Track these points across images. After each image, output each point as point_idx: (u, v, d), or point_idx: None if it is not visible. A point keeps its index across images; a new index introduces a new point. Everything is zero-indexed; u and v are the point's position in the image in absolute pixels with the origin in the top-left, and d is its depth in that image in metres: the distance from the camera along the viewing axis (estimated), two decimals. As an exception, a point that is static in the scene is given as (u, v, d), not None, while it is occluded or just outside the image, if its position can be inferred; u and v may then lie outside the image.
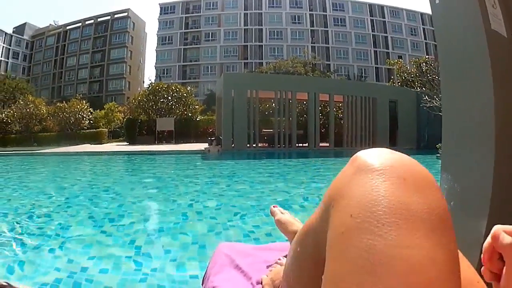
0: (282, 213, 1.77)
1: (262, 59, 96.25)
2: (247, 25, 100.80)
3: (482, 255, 0.86)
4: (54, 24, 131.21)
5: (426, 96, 26.90)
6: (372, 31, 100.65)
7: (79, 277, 5.02)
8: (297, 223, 1.66)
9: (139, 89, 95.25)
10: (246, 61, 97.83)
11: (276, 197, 10.32)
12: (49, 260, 5.67)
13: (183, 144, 38.39)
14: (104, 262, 5.55)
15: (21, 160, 31.53)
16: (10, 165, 26.67)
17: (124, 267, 5.36)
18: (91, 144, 47.80)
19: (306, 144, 30.89)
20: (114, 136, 57.30)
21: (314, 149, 29.60)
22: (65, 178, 17.22)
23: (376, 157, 0.80)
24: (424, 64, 39.72)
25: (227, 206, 9.13)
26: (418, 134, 32.94)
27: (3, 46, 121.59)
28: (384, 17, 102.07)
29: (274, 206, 1.83)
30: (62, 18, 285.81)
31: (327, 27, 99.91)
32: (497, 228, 0.84)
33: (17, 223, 7.80)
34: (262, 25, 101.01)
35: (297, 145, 30.45)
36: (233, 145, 29.25)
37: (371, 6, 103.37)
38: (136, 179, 15.95)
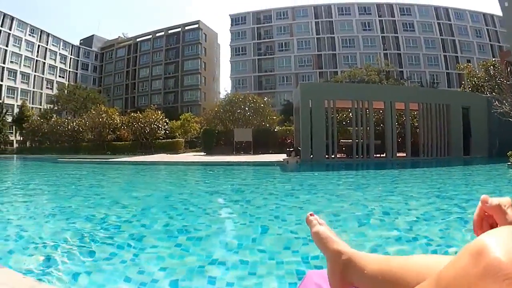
0: (320, 224, 1.66)
1: (336, 68, 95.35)
2: (319, 34, 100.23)
3: (473, 223, 0.97)
4: (123, 36, 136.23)
5: (497, 102, 26.59)
6: (440, 35, 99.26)
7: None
8: (338, 240, 1.54)
9: (215, 99, 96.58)
10: (320, 70, 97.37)
11: (355, 211, 10.23)
12: (120, 270, 6.02)
13: (261, 155, 38.32)
14: (175, 275, 5.76)
15: (94, 167, 33.41)
16: (83, 173, 28.32)
17: (196, 281, 5.53)
18: (167, 153, 48.54)
19: (384, 154, 30.33)
20: (190, 146, 59.16)
21: (391, 159, 29.18)
22: (140, 187, 18.18)
23: None
24: (491, 67, 39.24)
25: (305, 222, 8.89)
26: (489, 142, 32.01)
27: (71, 58, 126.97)
28: (450, 20, 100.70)
29: (311, 214, 1.71)
30: (130, 31, 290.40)
31: (397, 33, 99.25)
32: (484, 195, 0.94)
33: (88, 232, 8.24)
34: (334, 33, 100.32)
35: (374, 155, 29.98)
36: (311, 156, 29.09)
37: (436, 9, 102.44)
38: (213, 190, 16.18)
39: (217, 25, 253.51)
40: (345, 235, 7.28)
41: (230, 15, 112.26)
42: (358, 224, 8.56)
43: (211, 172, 25.93)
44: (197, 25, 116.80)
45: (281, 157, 32.00)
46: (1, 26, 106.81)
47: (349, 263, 1.25)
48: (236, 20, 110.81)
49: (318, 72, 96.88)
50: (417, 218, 8.84)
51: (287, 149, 34.23)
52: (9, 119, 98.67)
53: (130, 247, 6.93)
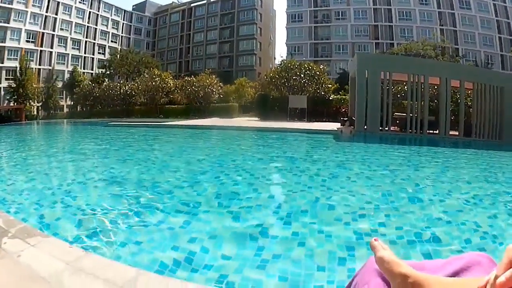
0: (383, 248, 1.53)
1: (392, 40, 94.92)
2: (376, 5, 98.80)
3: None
4: (177, 2, 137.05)
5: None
6: (495, 16, 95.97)
7: (198, 258, 5.50)
8: (403, 263, 1.41)
9: (270, 65, 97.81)
10: (377, 41, 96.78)
11: (407, 187, 10.13)
12: (168, 238, 6.24)
13: (316, 123, 38.20)
14: (225, 245, 6.00)
15: (146, 131, 33.99)
16: (134, 136, 29.19)
17: (245, 251, 5.72)
18: (221, 118, 48.97)
19: (437, 131, 29.93)
20: (244, 111, 58.46)
21: (444, 137, 28.58)
22: (192, 152, 18.54)
23: None
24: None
25: (358, 195, 9.08)
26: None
27: (123, 23, 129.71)
28: (505, 2, 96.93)
29: (375, 239, 1.59)
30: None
31: (453, 9, 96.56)
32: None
33: (138, 198, 8.55)
34: (390, 5, 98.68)
35: (427, 131, 29.54)
36: (365, 127, 28.97)
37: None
38: (266, 158, 16.43)
39: None
40: (393, 212, 7.66)
41: None
42: (407, 202, 8.54)
43: (264, 138, 26.14)
44: None
45: (335, 126, 32.37)
46: None
47: (416, 286, 1.24)
48: None
49: (374, 43, 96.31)
50: (467, 201, 8.64)
51: (341, 119, 34.99)
52: (60, 84, 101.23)
53: (180, 214, 7.33)
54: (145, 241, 6.05)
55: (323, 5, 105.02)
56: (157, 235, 6.29)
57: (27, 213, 7.57)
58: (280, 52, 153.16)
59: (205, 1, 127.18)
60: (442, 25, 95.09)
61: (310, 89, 49.74)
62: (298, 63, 51.85)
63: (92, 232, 6.29)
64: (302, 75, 49.96)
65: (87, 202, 8.33)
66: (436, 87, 32.90)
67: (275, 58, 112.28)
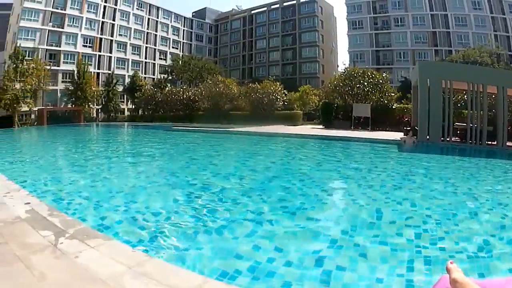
0: (457, 271, 1.85)
1: (450, 47, 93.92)
2: (433, 10, 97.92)
3: None
4: (237, 9, 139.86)
5: None
6: None
7: (262, 268, 5.76)
8: (476, 286, 1.71)
9: (333, 73, 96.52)
10: (436, 48, 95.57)
11: (470, 201, 10.35)
12: (232, 245, 6.60)
13: (379, 132, 38.85)
14: (290, 254, 6.19)
15: (210, 136, 35.46)
16: (198, 141, 30.74)
17: (307, 261, 5.95)
18: (285, 125, 50.11)
19: (494, 142, 28.64)
20: (308, 118, 61.07)
21: (502, 148, 27.42)
22: (257, 158, 19.05)
23: None
24: None
25: (422, 209, 9.22)
26: None
27: (184, 30, 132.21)
28: None
29: (450, 262, 1.92)
30: (243, 3, 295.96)
31: (504, 14, 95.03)
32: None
33: (202, 203, 9.11)
34: (446, 11, 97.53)
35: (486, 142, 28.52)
36: (427, 137, 28.98)
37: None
38: (332, 166, 16.88)
39: None
40: (452, 224, 8.03)
41: None
42: (471, 216, 8.76)
43: (329, 146, 26.68)
44: None
45: (398, 135, 32.54)
46: (105, 2, 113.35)
47: None
48: None
49: (433, 50, 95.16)
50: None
51: (404, 128, 34.84)
52: (120, 88, 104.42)
53: (245, 222, 7.69)
54: (209, 247, 6.52)
55: (382, 11, 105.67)
56: (220, 242, 6.82)
57: (87, 214, 8.41)
58: (343, 60, 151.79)
59: (265, 8, 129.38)
60: (496, 31, 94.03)
61: (374, 97, 49.53)
62: (361, 71, 51.61)
63: (155, 236, 6.91)
64: (365, 83, 49.83)
65: (150, 205, 9.18)
66: (494, 96, 31.48)
67: (338, 66, 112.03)
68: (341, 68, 76.35)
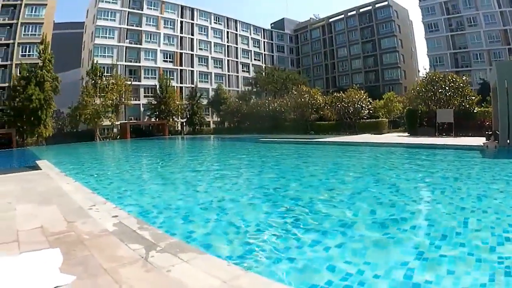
0: None
1: None
2: (501, 7, 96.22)
3: None
4: (314, 18, 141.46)
5: None
6: None
7: (353, 280, 5.98)
8: None
9: (415, 78, 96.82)
10: (509, 47, 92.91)
11: None
12: (324, 258, 6.70)
13: (462, 138, 38.04)
14: (379, 267, 6.37)
15: (298, 147, 35.54)
16: (287, 153, 30.83)
17: (396, 274, 6.10)
18: (371, 133, 50.59)
19: None
20: (394, 126, 61.24)
21: None
22: (346, 170, 19.00)
23: None
24: None
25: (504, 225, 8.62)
26: None
27: (264, 41, 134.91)
28: None
29: None
30: (319, 11, 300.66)
31: None
32: None
33: (293, 215, 9.17)
34: None
35: None
36: (508, 141, 28.01)
37: None
38: (417, 176, 16.60)
39: (405, 1, 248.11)
40: None
41: None
42: None
43: (415, 155, 26.20)
44: (386, 2, 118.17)
45: (481, 140, 31.33)
46: (182, 17, 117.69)
47: None
48: None
49: (507, 49, 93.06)
50: None
51: (486, 133, 33.68)
52: (205, 101, 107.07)
53: (335, 234, 7.71)
54: (301, 259, 6.65)
55: (455, 12, 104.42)
56: (312, 255, 6.88)
57: (177, 227, 8.81)
58: (423, 64, 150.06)
59: (342, 16, 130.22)
60: None
61: (455, 102, 48.63)
62: (442, 75, 50.75)
63: (248, 250, 7.05)
64: (446, 88, 48.90)
65: (242, 218, 9.41)
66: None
67: (418, 71, 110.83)
68: (422, 73, 75.88)
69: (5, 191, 13.97)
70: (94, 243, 6.68)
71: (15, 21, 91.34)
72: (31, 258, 5.93)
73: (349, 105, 59.30)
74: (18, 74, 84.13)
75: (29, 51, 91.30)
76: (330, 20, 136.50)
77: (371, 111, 61.11)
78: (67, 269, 5.41)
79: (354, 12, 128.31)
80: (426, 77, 53.57)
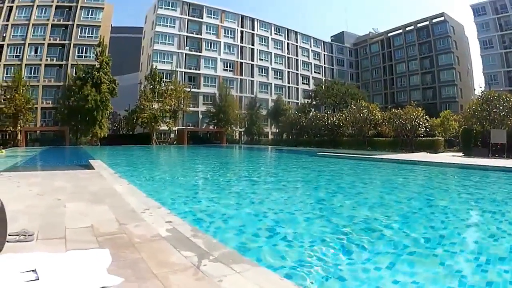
0: None
1: None
2: None
3: None
4: (374, 32, 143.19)
5: None
6: None
7: None
8: None
9: (471, 96, 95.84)
10: None
11: None
12: (375, 278, 6.64)
13: None
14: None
15: (355, 163, 34.89)
16: (344, 168, 30.32)
17: None
18: (427, 152, 49.61)
19: None
20: (449, 145, 60.20)
21: None
22: (402, 189, 18.41)
23: None
24: None
25: None
26: None
27: (324, 54, 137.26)
28: None
29: None
30: (378, 25, 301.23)
31: None
32: None
33: (346, 233, 8.93)
34: None
35: None
36: None
37: None
38: (468, 197, 16.03)
39: (460, 16, 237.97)
40: None
41: (470, 6, 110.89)
42: None
43: (469, 176, 24.99)
44: (442, 18, 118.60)
45: None
46: (242, 27, 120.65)
47: None
48: (477, 10, 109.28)
49: None
50: None
51: None
52: (264, 112, 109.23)
53: (387, 254, 7.52)
54: (352, 279, 6.50)
55: (508, 28, 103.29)
56: (364, 274, 6.71)
57: (231, 237, 8.65)
58: (479, 82, 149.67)
59: (401, 31, 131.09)
60: None
61: (509, 122, 47.62)
62: (496, 94, 50.12)
63: (302, 265, 6.84)
64: (501, 107, 47.89)
65: (297, 232, 9.11)
66: None
67: (474, 89, 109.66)
68: (477, 91, 74.60)
69: (56, 187, 14.21)
70: (146, 247, 6.63)
71: (70, 22, 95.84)
72: (78, 256, 5.91)
73: (406, 122, 58.74)
74: (74, 74, 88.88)
75: (85, 53, 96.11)
76: (389, 34, 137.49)
77: (427, 129, 60.09)
78: (115, 270, 5.44)
79: (412, 27, 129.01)
80: (481, 96, 52.99)
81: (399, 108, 65.29)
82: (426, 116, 60.28)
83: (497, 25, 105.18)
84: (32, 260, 5.50)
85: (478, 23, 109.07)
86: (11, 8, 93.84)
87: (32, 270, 5.18)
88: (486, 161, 34.17)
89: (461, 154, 46.17)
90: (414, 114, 58.74)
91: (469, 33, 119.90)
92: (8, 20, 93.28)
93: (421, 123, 58.31)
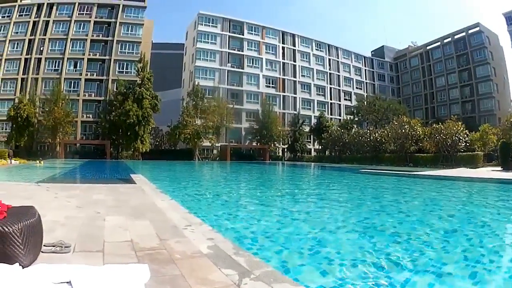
0: None
1: None
2: None
3: None
4: (413, 45, 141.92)
5: None
6: None
7: None
8: None
9: (509, 109, 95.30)
10: None
11: None
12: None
13: None
14: None
15: (396, 180, 34.26)
16: (385, 185, 29.84)
17: None
18: (467, 167, 49.57)
19: None
20: (488, 159, 60.16)
21: None
22: (442, 207, 17.69)
23: None
24: None
25: None
26: None
27: (365, 69, 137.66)
28: None
29: None
30: (416, 38, 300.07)
31: None
32: None
33: (388, 252, 8.66)
34: None
35: None
36: None
37: None
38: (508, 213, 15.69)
39: (494, 26, 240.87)
40: None
41: (503, 14, 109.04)
42: None
43: (506, 191, 24.57)
44: (477, 28, 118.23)
45: None
46: (283, 43, 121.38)
47: None
48: (510, 19, 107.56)
49: None
50: None
51: None
52: (307, 129, 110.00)
53: (427, 273, 7.31)
54: None
55: None
56: None
57: (272, 255, 8.37)
58: None
59: (439, 43, 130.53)
60: None
61: None
62: None
63: (342, 284, 6.63)
64: None
65: (339, 252, 8.83)
66: None
67: (511, 101, 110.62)
68: None
69: (96, 200, 14.23)
70: (186, 263, 6.42)
71: (110, 38, 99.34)
72: (115, 270, 5.73)
73: (447, 137, 58.93)
74: (115, 90, 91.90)
75: (126, 68, 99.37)
76: (428, 47, 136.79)
77: (467, 144, 60.24)
78: (154, 286, 5.34)
79: (449, 39, 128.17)
80: (517, 108, 51.69)
81: (440, 123, 65.97)
82: (466, 131, 60.24)
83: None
84: (67, 271, 5.37)
85: (511, 32, 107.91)
86: (47, 22, 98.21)
87: (67, 282, 5.12)
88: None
89: (499, 168, 45.58)
90: (454, 129, 58.84)
91: (503, 42, 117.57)
92: (45, 34, 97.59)
93: (461, 138, 58.49)
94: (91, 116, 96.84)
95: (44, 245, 6.53)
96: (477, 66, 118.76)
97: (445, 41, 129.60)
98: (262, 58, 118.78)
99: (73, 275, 5.23)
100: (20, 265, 5.47)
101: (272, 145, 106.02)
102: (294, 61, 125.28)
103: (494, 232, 11.92)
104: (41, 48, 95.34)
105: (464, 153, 59.16)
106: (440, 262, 7.96)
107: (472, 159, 56.77)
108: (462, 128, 59.20)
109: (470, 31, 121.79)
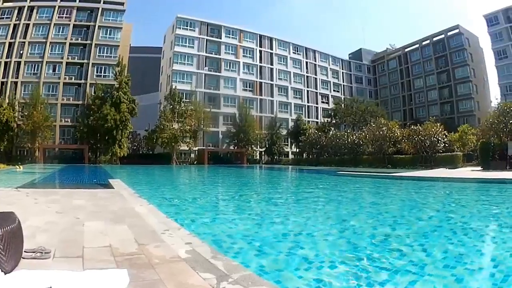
0: None
1: None
2: None
3: None
4: (391, 48, 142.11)
5: None
6: None
7: None
8: None
9: (488, 109, 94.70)
10: None
11: None
12: None
13: None
14: None
15: (374, 182, 34.55)
16: (364, 187, 29.92)
17: None
18: (446, 168, 49.48)
19: None
20: (468, 159, 59.22)
21: None
22: (421, 207, 17.83)
23: None
24: None
25: None
26: None
27: (343, 72, 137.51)
28: None
29: None
30: (394, 41, 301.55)
31: None
32: None
33: (367, 254, 8.60)
34: None
35: None
36: None
37: None
38: (489, 213, 15.59)
39: (473, 27, 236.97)
40: None
41: (484, 16, 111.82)
42: None
43: (489, 191, 24.40)
44: (457, 30, 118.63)
45: None
46: (261, 47, 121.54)
47: None
48: (490, 20, 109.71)
49: None
50: None
51: None
52: (284, 132, 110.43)
53: (408, 274, 7.19)
54: None
55: None
56: None
57: (250, 259, 8.28)
58: (495, 94, 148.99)
59: (417, 45, 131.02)
60: None
61: None
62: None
63: (318, 287, 6.58)
64: None
65: (318, 254, 8.72)
66: None
67: (491, 101, 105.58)
68: (494, 103, 76.02)
69: (76, 206, 14.10)
70: (165, 268, 6.40)
71: (88, 41, 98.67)
72: (95, 275, 5.72)
73: (425, 138, 59.05)
74: (93, 94, 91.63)
75: (104, 72, 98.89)
76: (406, 50, 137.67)
77: (446, 145, 60.54)
78: None
79: (428, 41, 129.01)
80: (498, 108, 53.96)
81: (418, 124, 66.43)
82: (445, 132, 60.68)
83: (510, 34, 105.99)
84: (47, 277, 5.35)
85: (491, 33, 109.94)
86: (27, 25, 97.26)
87: (48, 288, 5.00)
88: (504, 174, 33.89)
89: (479, 168, 45.95)
90: (433, 130, 59.24)
91: (483, 44, 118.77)
92: (25, 37, 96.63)
93: (440, 138, 58.74)
94: (69, 120, 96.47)
95: (24, 251, 6.51)
96: (456, 68, 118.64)
97: (424, 43, 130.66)
98: (239, 62, 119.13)
99: (54, 281, 5.21)
100: (2, 271, 5.44)
101: (250, 148, 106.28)
102: (272, 64, 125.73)
103: (475, 230, 11.87)
104: (21, 52, 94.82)
105: (443, 153, 59.31)
106: (417, 263, 7.90)
107: (452, 160, 56.95)
108: (440, 130, 59.63)
109: (449, 33, 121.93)
